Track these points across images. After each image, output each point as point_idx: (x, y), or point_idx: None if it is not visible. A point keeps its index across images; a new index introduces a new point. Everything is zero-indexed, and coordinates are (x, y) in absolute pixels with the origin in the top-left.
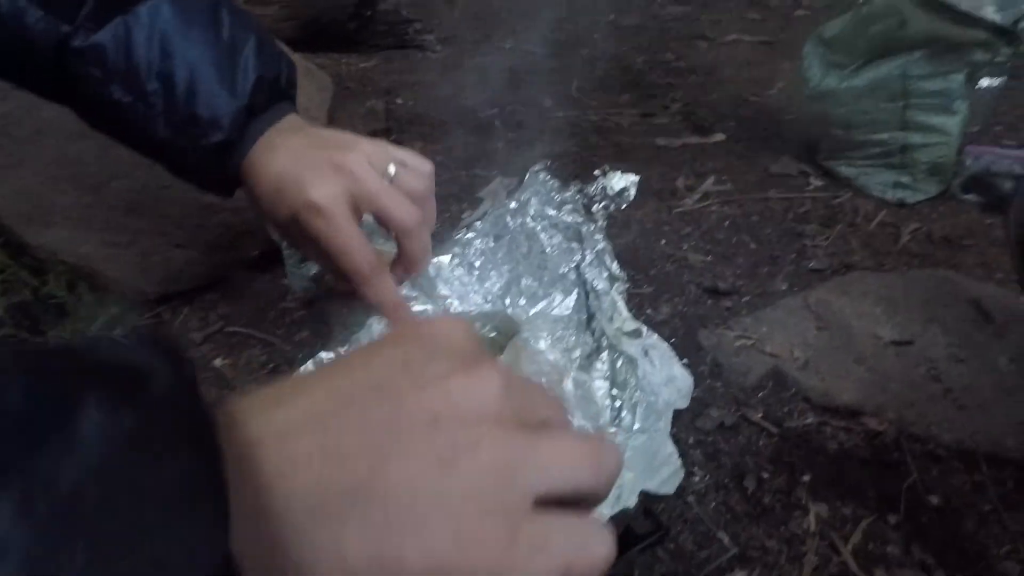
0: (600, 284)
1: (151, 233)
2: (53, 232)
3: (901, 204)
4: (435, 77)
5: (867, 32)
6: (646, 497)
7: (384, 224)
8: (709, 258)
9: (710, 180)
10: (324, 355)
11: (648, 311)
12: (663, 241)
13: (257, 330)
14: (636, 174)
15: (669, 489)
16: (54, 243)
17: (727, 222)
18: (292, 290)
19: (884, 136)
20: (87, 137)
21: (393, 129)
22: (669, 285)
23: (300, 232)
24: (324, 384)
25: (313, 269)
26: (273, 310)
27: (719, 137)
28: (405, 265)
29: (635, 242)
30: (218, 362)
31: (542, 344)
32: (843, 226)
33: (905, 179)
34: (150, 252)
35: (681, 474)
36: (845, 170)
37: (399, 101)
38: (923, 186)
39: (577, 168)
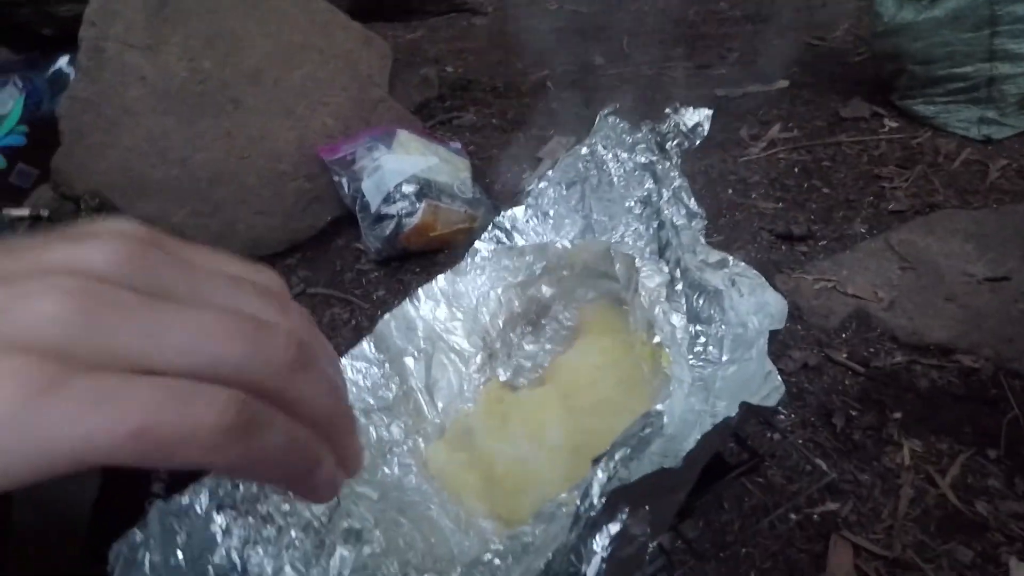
0: (679, 220)
1: (233, 202)
2: (147, 203)
3: (987, 140)
4: (483, 43)
5: None
6: (748, 410)
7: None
8: (780, 205)
9: (775, 128)
10: (409, 309)
11: None
12: (730, 190)
13: (337, 290)
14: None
15: (771, 402)
16: (149, 213)
17: (797, 168)
18: (367, 251)
19: (968, 69)
20: (169, 113)
21: (446, 96)
22: (740, 232)
23: None
24: None
25: (387, 230)
26: (350, 271)
27: (782, 84)
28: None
29: (701, 191)
30: None
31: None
32: (923, 166)
33: (991, 113)
34: (233, 220)
35: (782, 389)
36: (923, 109)
37: (449, 69)
38: (1012, 120)
39: (644, 113)
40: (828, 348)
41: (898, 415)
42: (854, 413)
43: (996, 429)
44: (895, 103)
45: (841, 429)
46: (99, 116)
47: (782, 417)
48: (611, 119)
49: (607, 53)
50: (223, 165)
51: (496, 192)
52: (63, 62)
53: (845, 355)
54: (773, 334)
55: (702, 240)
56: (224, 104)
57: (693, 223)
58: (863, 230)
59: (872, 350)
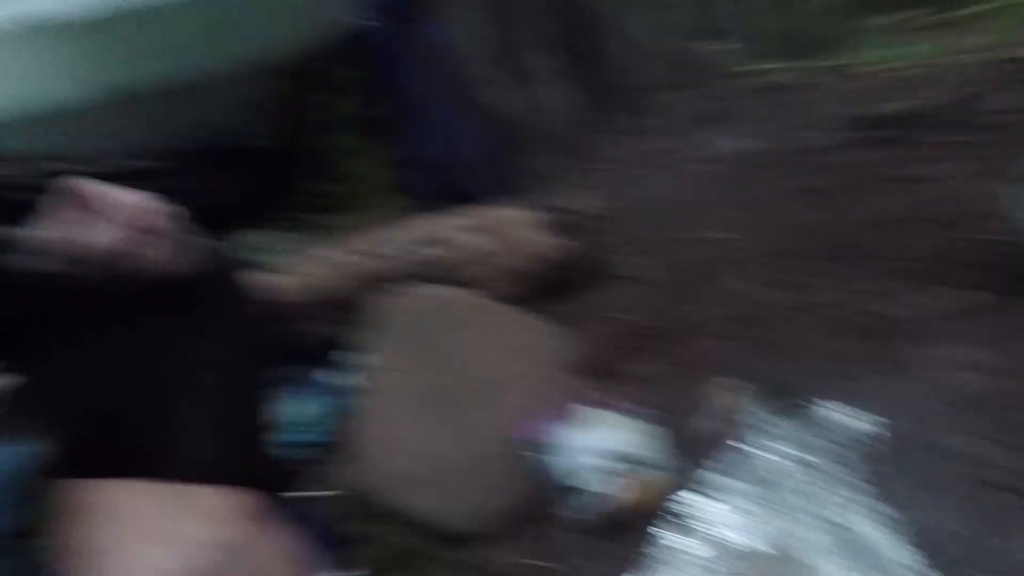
0: (862, 527)
1: (453, 484)
2: (398, 494)
3: None
4: (647, 289)
5: None
6: None
7: None
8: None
9: (971, 348)
10: None
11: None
12: (922, 424)
13: (542, 560)
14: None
15: None
16: (403, 504)
17: (1001, 398)
18: (562, 523)
19: None
20: (417, 420)
21: (622, 347)
22: (938, 479)
23: None
24: None
25: (583, 503)
26: (544, 541)
27: (974, 297)
28: None
29: (893, 425)
30: None
31: None
32: None
33: None
34: (453, 499)
35: None
36: None
37: (623, 318)
38: None
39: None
40: None
41: None
42: None
43: None
44: None
45: None
46: (370, 426)
47: None
48: (788, 417)
49: (776, 283)
50: (449, 453)
51: (679, 446)
52: (339, 378)
53: None
54: None
55: (892, 547)
56: (452, 407)
57: (877, 523)
58: None
59: None
